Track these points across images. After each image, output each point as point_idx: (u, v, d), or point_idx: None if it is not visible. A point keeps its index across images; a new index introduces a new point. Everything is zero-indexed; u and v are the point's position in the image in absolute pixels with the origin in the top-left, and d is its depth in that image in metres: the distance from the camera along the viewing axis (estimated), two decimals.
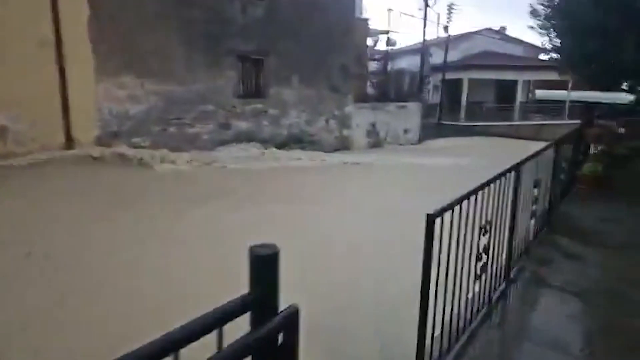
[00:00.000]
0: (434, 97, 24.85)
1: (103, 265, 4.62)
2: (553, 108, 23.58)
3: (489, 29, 27.14)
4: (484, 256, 2.55)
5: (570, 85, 21.33)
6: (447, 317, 2.16)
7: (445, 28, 24.20)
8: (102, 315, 3.61)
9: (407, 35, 77.70)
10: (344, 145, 14.65)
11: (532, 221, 3.71)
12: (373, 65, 21.59)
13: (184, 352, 0.74)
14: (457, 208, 2.03)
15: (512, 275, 3.22)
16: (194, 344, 0.76)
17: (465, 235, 2.20)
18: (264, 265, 0.90)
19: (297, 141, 13.53)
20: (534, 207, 3.67)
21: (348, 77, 14.52)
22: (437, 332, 2.11)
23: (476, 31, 26.72)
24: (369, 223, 6.34)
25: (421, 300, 1.87)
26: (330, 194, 8.58)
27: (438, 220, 1.83)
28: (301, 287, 2.65)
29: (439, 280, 1.96)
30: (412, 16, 49.93)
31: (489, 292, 2.77)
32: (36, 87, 8.94)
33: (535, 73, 23.62)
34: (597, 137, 6.36)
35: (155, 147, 10.64)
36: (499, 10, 65.22)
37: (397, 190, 8.65)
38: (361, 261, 4.88)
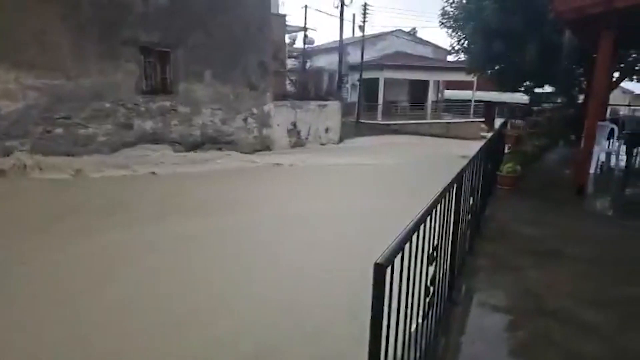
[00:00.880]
0: (352, 96, 25.11)
1: None
2: (460, 107, 25.28)
3: (401, 30, 28.17)
4: (431, 289, 2.13)
5: (475, 86, 22.94)
6: None
7: (361, 27, 24.57)
8: None
9: (325, 34, 78.85)
10: (264, 145, 13.91)
11: (468, 232, 3.44)
12: (291, 63, 21.11)
13: None
14: (407, 246, 1.53)
15: (452, 297, 2.88)
16: None
17: (414, 275, 1.73)
18: None
19: (212, 142, 12.49)
20: (469, 217, 3.40)
21: (266, 74, 13.78)
22: None
23: (389, 32, 27.56)
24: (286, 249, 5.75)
25: None
26: (250, 202, 7.86)
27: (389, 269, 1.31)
28: None
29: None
30: (329, 15, 50.60)
31: (434, 324, 2.36)
32: None
33: (445, 73, 25.05)
34: (516, 138, 6.51)
35: (38, 151, 8.99)
36: (410, 12, 68.96)
37: (334, 194, 8.22)
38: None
